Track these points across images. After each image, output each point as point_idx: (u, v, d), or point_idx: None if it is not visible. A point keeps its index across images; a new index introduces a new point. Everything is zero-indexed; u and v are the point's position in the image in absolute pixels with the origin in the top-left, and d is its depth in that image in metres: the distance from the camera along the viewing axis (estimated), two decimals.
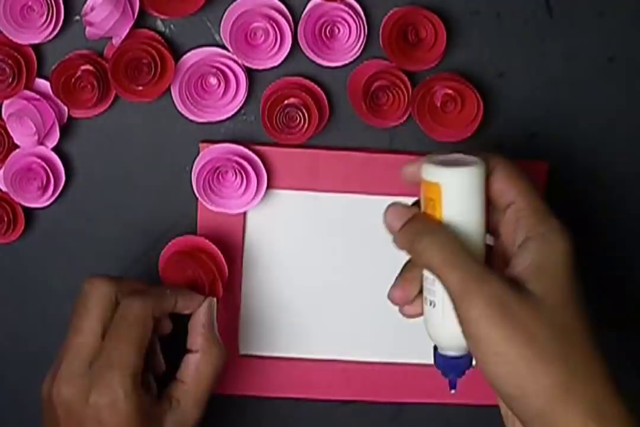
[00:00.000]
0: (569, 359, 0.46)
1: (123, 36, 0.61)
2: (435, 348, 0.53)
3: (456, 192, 0.50)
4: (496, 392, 0.48)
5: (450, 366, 0.52)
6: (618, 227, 0.69)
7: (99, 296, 0.57)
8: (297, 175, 0.65)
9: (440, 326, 0.51)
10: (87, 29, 0.61)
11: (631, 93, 0.66)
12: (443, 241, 0.48)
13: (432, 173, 0.51)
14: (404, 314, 0.53)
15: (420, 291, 0.53)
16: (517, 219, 0.50)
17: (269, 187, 0.65)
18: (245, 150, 0.64)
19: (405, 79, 0.63)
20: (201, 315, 0.60)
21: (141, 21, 0.62)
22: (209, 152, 0.64)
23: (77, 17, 0.63)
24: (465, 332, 0.47)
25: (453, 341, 0.50)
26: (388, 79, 0.63)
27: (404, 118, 0.64)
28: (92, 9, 0.60)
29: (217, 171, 0.63)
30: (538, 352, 0.45)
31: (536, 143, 0.67)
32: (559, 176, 0.67)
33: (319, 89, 0.64)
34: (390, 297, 0.53)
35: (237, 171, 0.63)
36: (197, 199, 0.65)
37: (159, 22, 0.63)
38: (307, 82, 0.64)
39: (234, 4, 0.62)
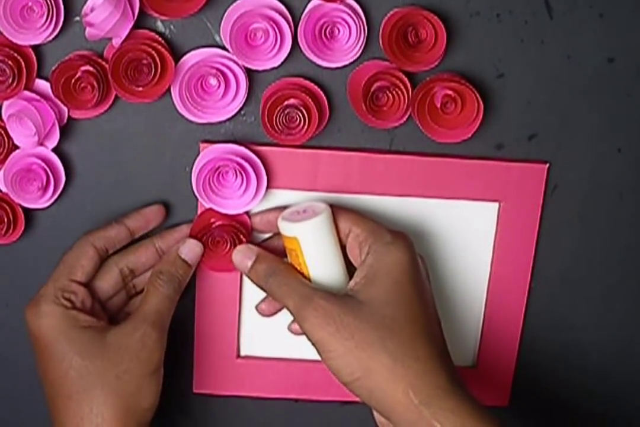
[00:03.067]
0: (389, 345, 0.55)
1: (123, 37, 0.61)
2: None
3: (312, 240, 0.60)
4: (340, 383, 0.57)
5: None
6: (618, 226, 0.69)
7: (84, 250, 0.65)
8: (297, 175, 0.65)
9: None
10: (87, 29, 0.60)
11: (631, 93, 0.66)
12: (282, 278, 0.60)
13: (288, 228, 0.61)
14: (261, 312, 0.67)
15: None
16: (358, 242, 0.60)
17: (268, 187, 0.65)
18: (245, 150, 0.64)
19: (405, 79, 0.63)
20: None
21: (141, 22, 0.62)
22: (209, 153, 0.64)
23: (77, 18, 0.62)
24: (310, 341, 0.57)
25: None
26: (388, 80, 0.62)
27: (404, 119, 0.64)
28: (92, 10, 0.60)
29: (217, 171, 0.63)
30: (359, 343, 0.55)
31: (536, 143, 0.67)
32: (559, 176, 0.67)
33: (319, 89, 0.64)
34: (257, 309, 0.66)
35: (237, 171, 0.63)
36: (197, 199, 0.65)
37: (159, 23, 0.63)
38: (307, 82, 0.64)
39: (234, 4, 0.62)
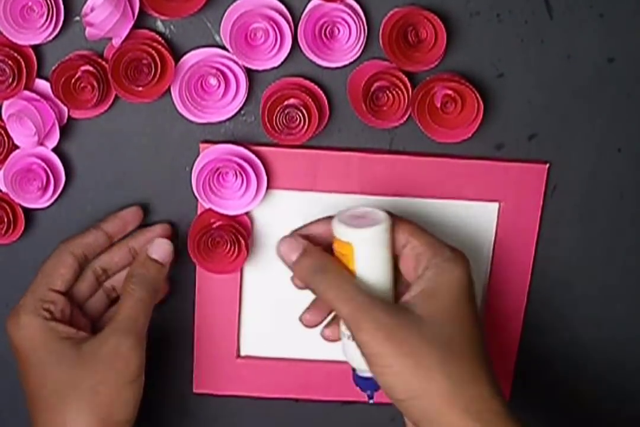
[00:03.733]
0: (448, 366, 0.53)
1: (123, 37, 0.61)
2: (354, 369, 0.61)
3: (367, 249, 0.57)
4: (391, 399, 0.55)
5: (366, 384, 0.60)
6: (618, 226, 0.69)
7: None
8: (297, 175, 0.65)
9: (354, 352, 0.57)
10: (87, 29, 0.60)
11: (631, 93, 0.66)
12: (333, 278, 0.56)
13: (343, 233, 0.57)
14: (324, 338, 0.62)
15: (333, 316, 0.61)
16: (416, 254, 0.57)
17: (269, 187, 0.65)
18: (245, 151, 0.64)
19: (405, 79, 0.63)
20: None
21: (141, 22, 0.62)
22: (209, 153, 0.64)
23: (77, 18, 0.62)
24: (362, 353, 0.55)
25: (364, 364, 0.56)
26: (388, 80, 0.62)
27: (404, 119, 0.64)
28: (92, 10, 0.60)
29: (217, 172, 0.63)
30: (419, 361, 0.53)
31: (536, 143, 0.67)
32: (559, 176, 0.67)
33: (319, 89, 0.64)
34: (300, 319, 0.61)
35: (237, 172, 0.63)
36: (197, 199, 0.65)
37: (158, 23, 0.63)
38: (307, 82, 0.64)
39: (234, 4, 0.62)
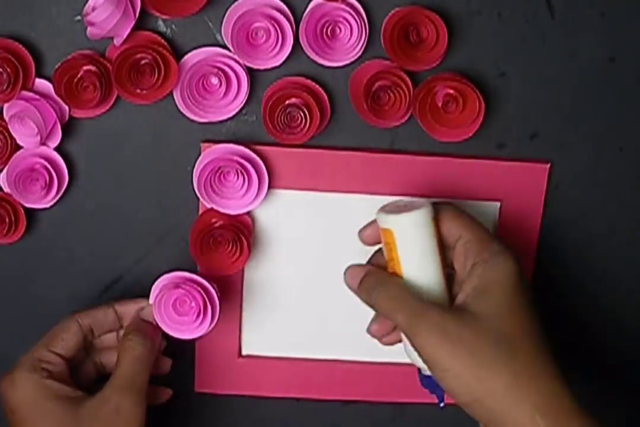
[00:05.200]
0: (511, 363, 0.52)
1: (124, 36, 0.61)
2: (419, 370, 0.60)
3: (407, 234, 0.57)
4: (457, 403, 0.54)
5: (434, 384, 0.58)
6: (618, 227, 0.69)
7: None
8: (299, 175, 0.65)
9: (417, 355, 0.56)
10: (89, 29, 0.60)
11: (632, 93, 0.66)
12: (388, 290, 0.57)
13: (384, 220, 0.58)
14: (383, 343, 0.61)
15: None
16: (466, 250, 0.57)
17: (270, 187, 0.65)
18: (247, 150, 0.64)
19: (407, 79, 0.63)
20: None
21: (142, 21, 0.62)
22: (210, 153, 0.64)
23: (79, 17, 0.63)
24: (422, 358, 0.54)
25: None
26: (389, 79, 0.63)
27: (405, 118, 0.64)
28: (93, 9, 0.60)
29: (219, 171, 0.63)
30: (479, 361, 0.52)
31: (536, 143, 0.67)
32: (559, 176, 0.67)
33: (320, 89, 0.64)
34: (368, 331, 0.61)
35: (238, 172, 0.63)
36: (198, 199, 0.65)
37: (160, 22, 0.63)
38: (309, 82, 0.64)
39: (236, 4, 0.62)
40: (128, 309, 0.65)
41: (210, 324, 0.63)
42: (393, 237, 0.57)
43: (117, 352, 0.62)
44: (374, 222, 0.60)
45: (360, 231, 0.61)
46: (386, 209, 0.59)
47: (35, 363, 0.61)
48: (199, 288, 0.62)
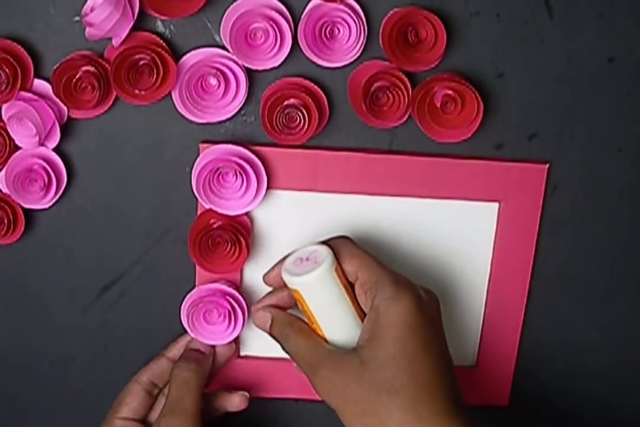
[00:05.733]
0: (391, 409, 0.55)
1: (123, 37, 0.61)
2: None
3: (313, 292, 0.59)
4: None
5: None
6: (618, 226, 0.69)
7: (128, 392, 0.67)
8: (297, 176, 0.65)
9: None
10: (87, 29, 0.60)
11: (631, 93, 0.66)
12: (291, 343, 0.60)
13: (290, 282, 0.59)
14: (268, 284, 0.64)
15: None
16: (364, 291, 0.59)
17: (269, 187, 0.65)
18: (245, 151, 0.64)
19: (405, 79, 0.63)
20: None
21: (141, 22, 0.62)
22: (209, 153, 0.64)
23: (77, 18, 0.62)
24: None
25: None
26: (388, 80, 0.62)
27: (404, 119, 0.64)
28: (92, 10, 0.60)
29: (218, 172, 0.63)
30: (363, 409, 0.56)
31: (535, 143, 0.67)
32: (558, 177, 0.67)
33: (319, 89, 0.64)
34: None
35: (237, 172, 0.63)
36: (197, 199, 0.65)
37: (158, 23, 0.63)
38: (307, 82, 0.64)
39: (234, 4, 0.62)
40: (176, 352, 0.67)
41: (242, 326, 0.67)
42: (301, 295, 0.59)
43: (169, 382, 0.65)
44: (278, 264, 0.62)
45: (265, 275, 0.63)
46: (288, 268, 0.60)
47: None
48: (224, 296, 0.65)
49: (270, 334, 0.62)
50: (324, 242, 0.60)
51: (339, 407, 0.57)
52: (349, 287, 0.59)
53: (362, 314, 0.59)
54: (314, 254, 0.60)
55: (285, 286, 0.61)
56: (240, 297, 0.66)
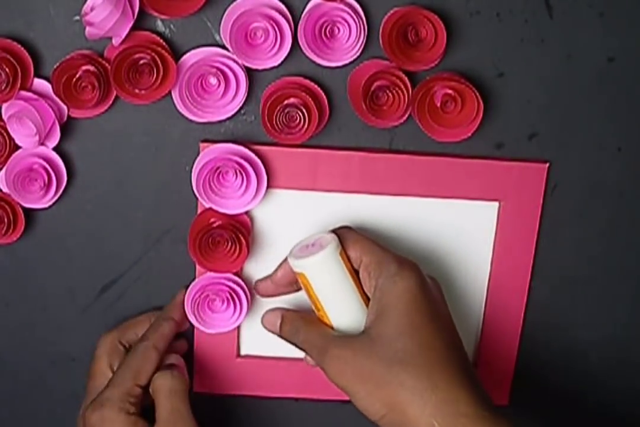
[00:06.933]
0: (405, 379, 0.55)
1: (123, 36, 0.61)
2: None
3: (318, 274, 0.60)
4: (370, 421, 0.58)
5: None
6: (618, 226, 0.69)
7: (105, 345, 0.67)
8: (297, 175, 0.65)
9: None
10: (87, 29, 0.60)
11: (631, 92, 0.66)
12: (302, 336, 0.61)
13: (295, 265, 0.60)
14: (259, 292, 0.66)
15: None
16: (368, 273, 0.60)
17: (269, 187, 0.65)
18: (245, 150, 0.64)
19: (405, 79, 0.63)
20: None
21: (141, 21, 0.62)
22: (209, 152, 0.64)
23: (77, 17, 0.63)
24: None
25: None
26: (388, 79, 0.62)
27: (404, 118, 0.64)
28: (92, 9, 0.60)
29: (217, 171, 0.63)
30: (376, 383, 0.56)
31: (535, 143, 0.67)
32: (558, 176, 0.67)
33: (319, 89, 0.64)
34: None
35: (237, 171, 0.63)
36: (197, 199, 0.65)
37: (158, 22, 0.63)
38: (307, 82, 0.64)
39: (234, 4, 0.62)
40: (181, 314, 0.67)
41: (247, 312, 0.67)
42: (307, 279, 0.60)
43: (152, 393, 0.63)
44: (284, 263, 0.63)
45: (273, 274, 0.64)
46: (295, 252, 0.61)
47: (124, 398, 0.62)
48: (227, 283, 0.66)
49: (280, 335, 0.63)
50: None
51: (350, 386, 0.57)
52: (354, 274, 0.60)
53: (367, 301, 0.60)
54: (319, 240, 0.61)
55: (290, 285, 0.63)
56: (242, 282, 0.67)
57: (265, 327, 0.64)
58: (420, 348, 0.56)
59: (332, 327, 0.60)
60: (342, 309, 0.60)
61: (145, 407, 0.64)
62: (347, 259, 0.60)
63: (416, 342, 0.56)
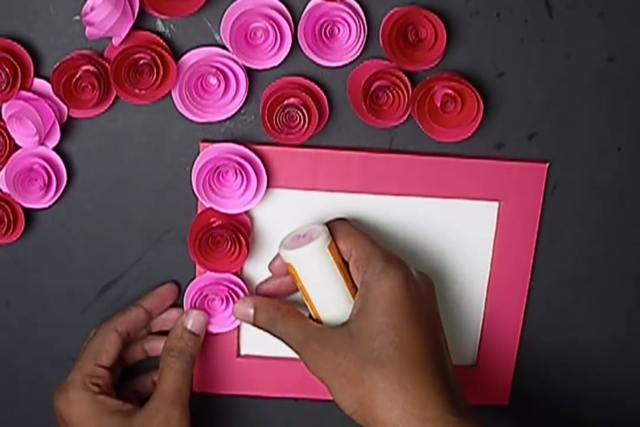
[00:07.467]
0: (377, 380, 0.56)
1: (123, 36, 0.61)
2: None
3: (306, 266, 0.61)
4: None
5: None
6: (618, 226, 0.69)
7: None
8: (297, 175, 0.65)
9: None
10: (87, 28, 0.60)
11: (631, 92, 0.66)
12: (280, 326, 0.61)
13: (284, 255, 0.61)
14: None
15: None
16: (356, 268, 0.60)
17: (269, 186, 0.65)
18: (245, 150, 0.64)
19: (405, 79, 0.63)
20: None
21: (141, 21, 0.62)
22: (209, 152, 0.64)
23: (77, 17, 0.63)
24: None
25: None
26: (388, 79, 0.63)
27: (404, 118, 0.64)
28: (92, 9, 0.60)
29: (217, 171, 0.63)
30: (349, 380, 0.57)
31: (536, 142, 0.67)
32: (558, 176, 0.67)
33: (319, 89, 0.64)
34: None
35: (237, 171, 0.63)
36: (197, 198, 0.65)
37: (158, 22, 0.63)
38: (307, 82, 0.64)
39: (234, 3, 0.62)
40: (153, 303, 0.67)
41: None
42: (295, 270, 0.61)
43: (161, 367, 0.65)
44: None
45: (270, 264, 0.65)
46: (287, 242, 0.62)
47: (86, 379, 0.64)
48: (226, 283, 0.67)
49: (255, 324, 0.63)
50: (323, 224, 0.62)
51: (327, 379, 0.58)
52: (344, 267, 0.61)
53: (355, 293, 0.60)
54: (310, 232, 0.62)
55: (287, 275, 0.63)
56: (242, 282, 0.67)
57: (237, 318, 0.64)
58: (396, 349, 0.56)
59: (320, 318, 0.61)
60: (329, 300, 0.61)
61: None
62: (338, 252, 0.61)
63: (393, 343, 0.57)
